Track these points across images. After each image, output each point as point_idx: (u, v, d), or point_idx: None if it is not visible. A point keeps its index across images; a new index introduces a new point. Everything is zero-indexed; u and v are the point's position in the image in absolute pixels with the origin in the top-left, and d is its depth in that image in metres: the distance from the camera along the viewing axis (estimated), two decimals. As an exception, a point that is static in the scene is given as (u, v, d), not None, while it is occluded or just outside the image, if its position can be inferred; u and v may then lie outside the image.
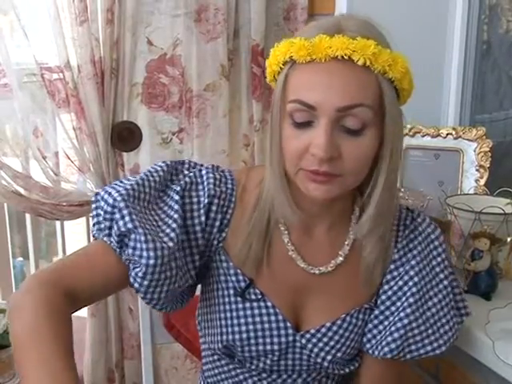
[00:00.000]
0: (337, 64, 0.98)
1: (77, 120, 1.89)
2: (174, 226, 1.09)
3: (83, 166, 1.94)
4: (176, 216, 1.10)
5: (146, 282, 1.05)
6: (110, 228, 1.07)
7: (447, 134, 1.93)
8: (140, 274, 1.05)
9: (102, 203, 1.08)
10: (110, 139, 1.96)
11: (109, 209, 1.06)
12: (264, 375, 1.22)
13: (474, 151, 1.88)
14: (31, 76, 1.80)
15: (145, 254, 1.03)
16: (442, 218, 1.65)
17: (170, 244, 1.07)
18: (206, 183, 1.14)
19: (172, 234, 1.08)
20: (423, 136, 1.95)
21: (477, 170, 1.87)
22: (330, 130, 0.99)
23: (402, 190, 1.77)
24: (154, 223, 1.09)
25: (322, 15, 2.05)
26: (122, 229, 1.04)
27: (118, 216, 1.05)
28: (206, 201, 1.13)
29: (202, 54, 2.00)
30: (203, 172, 1.16)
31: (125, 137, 1.99)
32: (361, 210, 1.14)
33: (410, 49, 1.96)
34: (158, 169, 1.15)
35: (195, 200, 1.14)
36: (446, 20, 2.04)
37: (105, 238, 1.07)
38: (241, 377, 1.24)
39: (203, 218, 1.13)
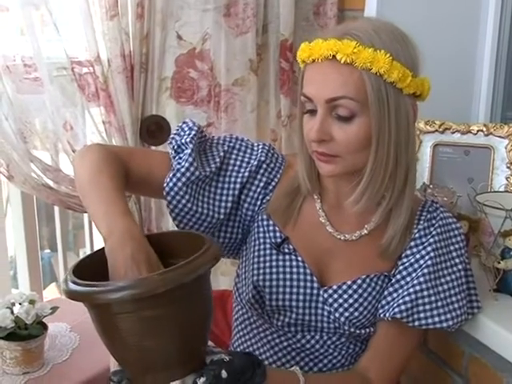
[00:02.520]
0: (328, 63, 1.17)
1: (106, 114, 1.90)
2: (213, 166, 1.32)
3: (112, 159, 1.95)
4: (218, 160, 1.33)
5: (171, 184, 1.28)
6: (176, 140, 1.33)
7: (478, 131, 1.90)
8: (172, 176, 1.28)
9: (185, 125, 1.35)
10: (139, 133, 1.97)
11: (186, 128, 1.33)
12: (289, 335, 1.34)
13: (505, 148, 1.86)
14: (62, 70, 1.81)
15: (183, 163, 1.28)
16: (472, 215, 1.63)
17: (203, 173, 1.30)
18: (260, 151, 1.37)
19: (207, 169, 1.31)
20: (453, 133, 1.93)
21: (508, 168, 1.85)
22: (322, 117, 1.19)
23: (431, 186, 1.76)
24: (203, 157, 1.34)
25: (352, 10, 2.05)
26: (183, 141, 1.31)
27: (185, 133, 1.33)
28: (255, 163, 1.35)
29: (231, 48, 2.01)
30: (260, 145, 1.39)
31: (153, 131, 2.00)
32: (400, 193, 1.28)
33: (442, 45, 1.97)
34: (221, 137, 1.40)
35: (243, 159, 1.36)
36: (478, 15, 2.02)
37: (169, 146, 1.34)
38: (269, 337, 1.36)
39: (246, 174, 1.34)
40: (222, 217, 1.34)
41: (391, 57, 1.15)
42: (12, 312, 1.64)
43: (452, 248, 1.33)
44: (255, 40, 2.04)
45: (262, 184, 1.36)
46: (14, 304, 1.67)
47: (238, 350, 1.42)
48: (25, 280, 2.23)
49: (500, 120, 2.05)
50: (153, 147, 2.01)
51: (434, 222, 1.33)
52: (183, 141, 1.31)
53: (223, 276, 2.17)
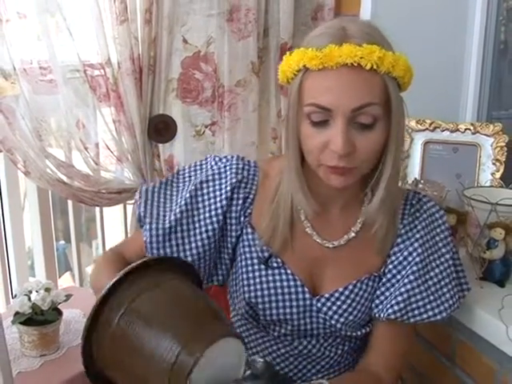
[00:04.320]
0: (347, 70, 1.05)
1: (116, 113, 1.91)
2: (178, 209, 1.27)
3: (122, 156, 1.96)
4: (183, 203, 1.27)
5: (148, 254, 1.26)
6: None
7: (465, 129, 1.92)
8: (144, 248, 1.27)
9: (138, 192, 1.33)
10: (147, 131, 1.98)
11: (140, 198, 1.31)
12: (286, 342, 1.30)
13: (491, 146, 1.88)
14: (75, 72, 1.81)
15: (144, 233, 1.26)
16: (460, 208, 1.65)
17: (168, 224, 1.26)
18: (229, 173, 1.28)
19: (172, 218, 1.26)
20: (443, 131, 1.95)
21: (493, 164, 1.87)
22: (345, 128, 1.08)
23: (422, 181, 1.78)
24: (161, 207, 1.31)
25: (348, 15, 2.05)
26: (137, 212, 1.29)
27: (140, 205, 1.30)
28: (229, 188, 1.26)
29: (234, 51, 2.01)
30: (227, 165, 1.29)
31: (160, 129, 2.00)
32: (371, 192, 1.21)
33: (432, 49, 1.98)
34: (185, 171, 1.36)
35: (215, 189, 1.28)
36: (465, 21, 2.03)
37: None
38: (267, 344, 1.32)
39: (224, 202, 1.26)
40: (211, 247, 1.28)
41: (406, 60, 1.10)
42: (29, 299, 1.65)
43: (438, 239, 1.28)
44: (256, 43, 2.04)
45: (240, 202, 1.27)
46: (31, 291, 1.68)
47: None
48: (41, 269, 2.24)
49: (486, 119, 2.06)
50: (160, 145, 2.02)
51: (418, 215, 1.28)
52: (138, 212, 1.30)
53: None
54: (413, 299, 1.23)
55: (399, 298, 1.23)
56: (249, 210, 1.29)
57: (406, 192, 1.31)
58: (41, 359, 1.63)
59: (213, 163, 1.32)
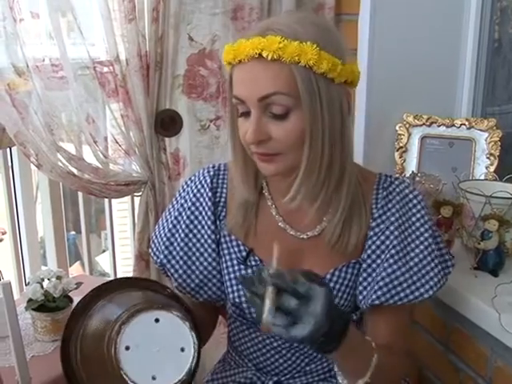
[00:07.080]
0: (256, 62, 1.06)
1: (124, 108, 1.91)
2: (179, 228, 1.31)
3: (129, 149, 1.96)
4: (184, 218, 1.31)
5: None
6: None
7: (461, 125, 1.93)
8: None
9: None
10: (154, 125, 1.98)
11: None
12: (277, 337, 1.28)
13: (485, 140, 1.88)
14: (85, 69, 1.81)
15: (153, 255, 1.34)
16: (455, 201, 1.66)
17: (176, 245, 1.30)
18: (205, 186, 1.30)
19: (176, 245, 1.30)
20: (439, 126, 1.96)
21: (487, 158, 1.87)
22: (257, 117, 1.09)
23: (419, 174, 1.78)
24: (168, 229, 1.33)
25: (348, 14, 2.05)
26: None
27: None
28: (209, 203, 1.29)
29: (238, 49, 2.00)
30: (202, 181, 1.31)
31: (167, 123, 2.00)
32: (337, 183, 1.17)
33: (429, 47, 1.98)
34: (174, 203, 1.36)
35: (201, 204, 1.30)
36: (461, 21, 2.03)
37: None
38: (260, 338, 1.32)
39: (209, 213, 1.29)
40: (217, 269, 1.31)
41: (318, 47, 1.04)
42: (42, 286, 1.66)
43: (414, 219, 1.24)
44: (259, 41, 2.04)
45: (219, 208, 1.30)
46: (43, 279, 1.69)
47: (234, 345, 1.39)
48: (53, 258, 2.25)
49: (480, 115, 2.05)
50: (166, 138, 2.02)
51: (390, 197, 1.24)
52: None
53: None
54: (396, 282, 1.20)
55: (381, 283, 1.20)
56: (223, 213, 1.29)
57: (378, 177, 1.28)
58: (53, 344, 1.64)
59: (191, 194, 1.33)
